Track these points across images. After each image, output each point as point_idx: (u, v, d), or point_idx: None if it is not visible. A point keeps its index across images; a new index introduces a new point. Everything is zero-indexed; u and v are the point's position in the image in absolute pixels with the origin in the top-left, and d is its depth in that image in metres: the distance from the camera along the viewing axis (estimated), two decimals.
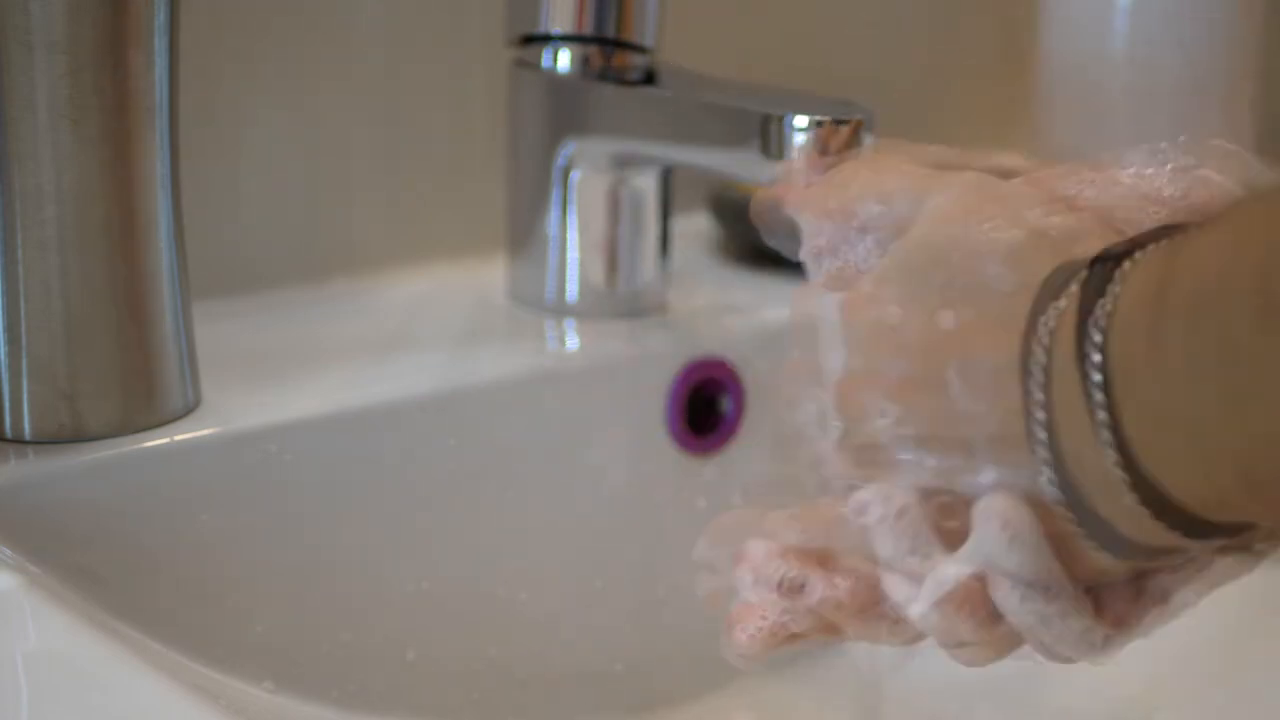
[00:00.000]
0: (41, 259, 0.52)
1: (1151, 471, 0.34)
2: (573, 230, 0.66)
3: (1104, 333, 0.34)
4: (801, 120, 0.58)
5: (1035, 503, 0.36)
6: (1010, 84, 0.94)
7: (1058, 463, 0.35)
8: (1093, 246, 0.36)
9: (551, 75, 0.65)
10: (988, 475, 0.37)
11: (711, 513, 0.67)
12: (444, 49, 0.72)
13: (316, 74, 0.69)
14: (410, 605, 0.60)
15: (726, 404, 0.67)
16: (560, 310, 0.67)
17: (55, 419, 0.53)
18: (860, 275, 0.42)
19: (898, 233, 0.41)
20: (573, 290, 0.67)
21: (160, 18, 0.52)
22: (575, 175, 0.66)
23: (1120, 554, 0.36)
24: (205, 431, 0.55)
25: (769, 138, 0.58)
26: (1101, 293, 0.34)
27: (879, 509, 0.39)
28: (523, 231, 0.67)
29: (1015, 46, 0.93)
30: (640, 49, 0.65)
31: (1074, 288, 0.35)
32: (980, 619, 0.38)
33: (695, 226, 0.78)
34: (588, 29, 0.64)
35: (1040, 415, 0.35)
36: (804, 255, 0.44)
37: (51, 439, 0.53)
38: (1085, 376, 0.34)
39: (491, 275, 0.70)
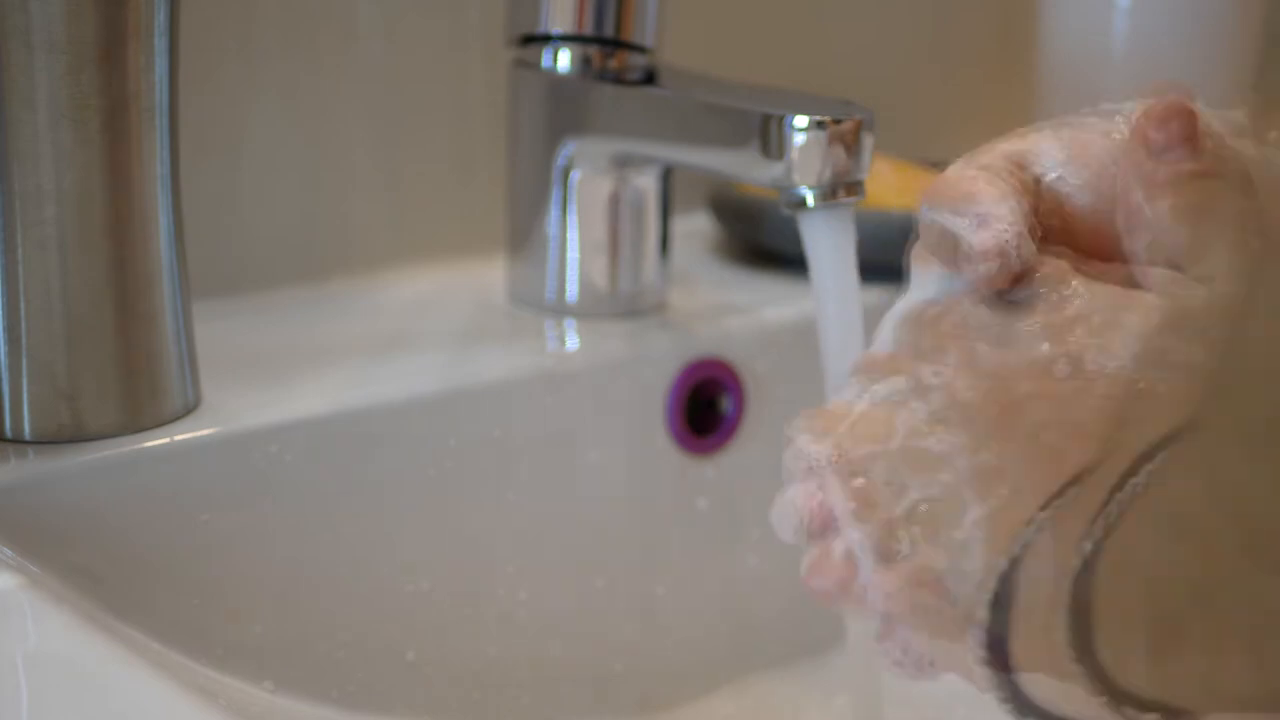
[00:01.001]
0: (41, 259, 0.52)
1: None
2: (573, 230, 0.66)
3: None
4: (801, 120, 0.58)
5: None
6: (1010, 84, 0.94)
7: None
8: None
9: (551, 75, 0.65)
10: None
11: (711, 513, 0.67)
12: (444, 49, 0.72)
13: (317, 74, 0.69)
14: (410, 605, 0.60)
15: (726, 404, 0.67)
16: (560, 310, 0.67)
17: (55, 419, 0.53)
18: None
19: None
20: (573, 290, 0.67)
21: (160, 18, 0.52)
22: (575, 175, 0.66)
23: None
24: (205, 431, 0.55)
25: (769, 138, 0.58)
26: None
27: None
28: (523, 231, 0.67)
29: (1015, 46, 0.93)
30: (640, 49, 0.65)
31: None
32: None
33: (695, 226, 0.78)
34: (588, 29, 0.64)
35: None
36: None
37: (51, 439, 0.53)
38: None
39: (491, 275, 0.70)
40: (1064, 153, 0.39)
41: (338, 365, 0.61)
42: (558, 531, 0.63)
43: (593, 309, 0.67)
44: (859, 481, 0.37)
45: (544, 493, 0.63)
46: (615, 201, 0.66)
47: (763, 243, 0.75)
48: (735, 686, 0.67)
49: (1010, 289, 0.37)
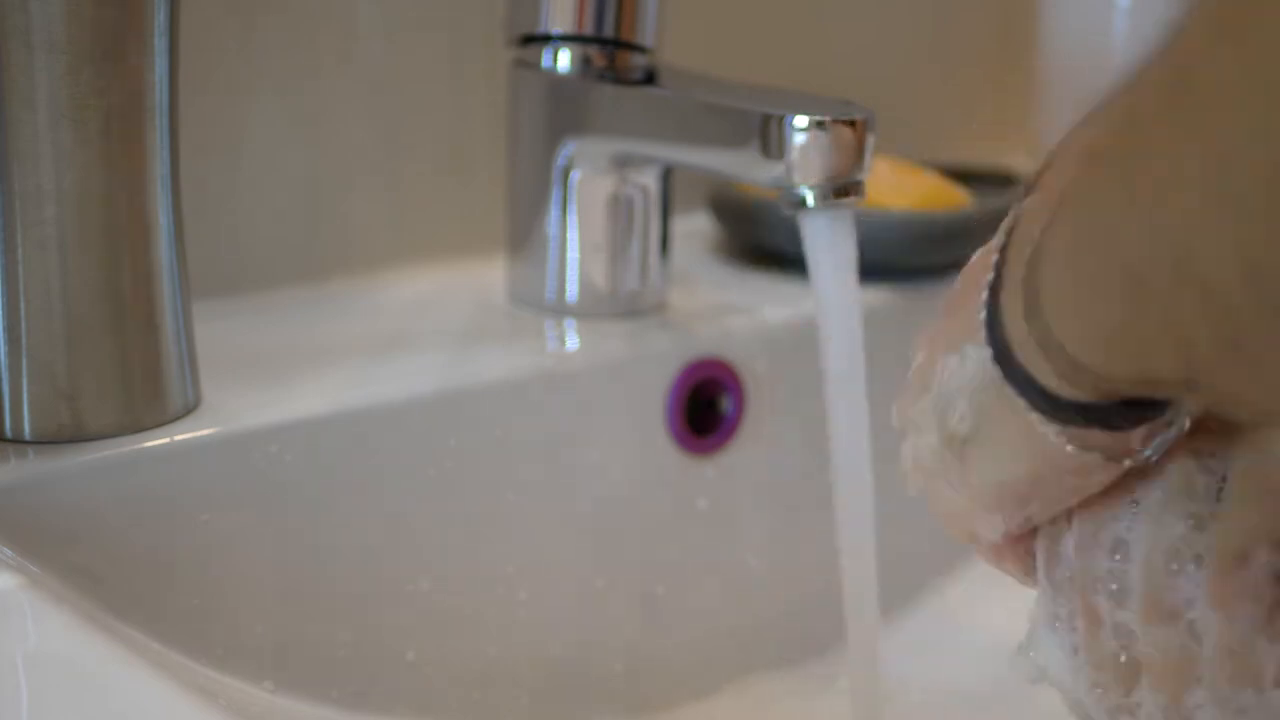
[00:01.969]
0: (41, 259, 0.52)
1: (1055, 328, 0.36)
2: (573, 230, 0.66)
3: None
4: (801, 120, 0.58)
5: None
6: (1010, 84, 0.94)
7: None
8: None
9: (551, 75, 0.65)
10: None
11: (711, 513, 0.67)
12: (444, 49, 0.72)
13: (317, 74, 0.69)
14: (410, 605, 0.60)
15: (726, 404, 0.67)
16: (560, 310, 0.67)
17: (55, 419, 0.53)
18: None
19: None
20: (573, 290, 0.67)
21: (160, 18, 0.52)
22: (575, 175, 0.66)
23: (1049, 413, 0.38)
24: (205, 431, 0.55)
25: (769, 138, 0.58)
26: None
27: None
28: (523, 231, 0.67)
29: (1015, 46, 0.93)
30: (640, 49, 0.65)
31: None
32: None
33: (695, 226, 0.78)
34: (588, 29, 0.64)
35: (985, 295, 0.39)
36: None
37: (51, 439, 0.53)
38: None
39: (491, 275, 0.70)
40: None
41: (338, 365, 0.61)
42: (558, 531, 0.63)
43: (593, 309, 0.67)
44: None
45: (544, 493, 0.63)
46: (615, 201, 0.66)
47: (763, 243, 0.75)
48: (735, 686, 0.67)
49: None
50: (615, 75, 0.65)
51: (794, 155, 0.58)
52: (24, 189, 0.51)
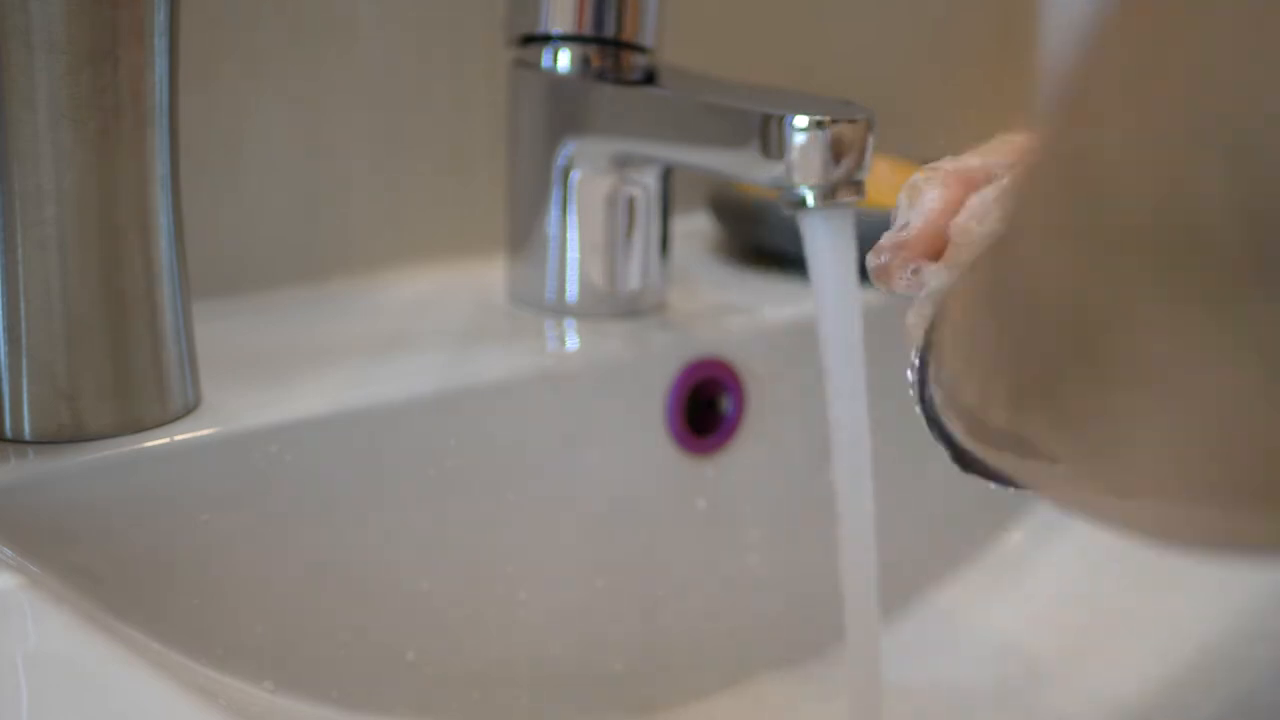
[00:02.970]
0: (41, 259, 0.52)
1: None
2: (573, 230, 0.66)
3: None
4: (801, 120, 0.58)
5: None
6: (1010, 84, 0.94)
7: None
8: None
9: (551, 75, 0.65)
10: None
11: (711, 513, 0.67)
12: (444, 49, 0.72)
13: (316, 73, 0.69)
14: (410, 605, 0.60)
15: (726, 404, 0.67)
16: (560, 310, 0.67)
17: (55, 419, 0.53)
18: None
19: None
20: (573, 290, 0.67)
21: (160, 18, 0.52)
22: (575, 175, 0.66)
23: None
24: (205, 431, 0.55)
25: (769, 138, 0.58)
26: None
27: None
28: (523, 231, 0.67)
29: (1015, 46, 0.93)
30: (640, 49, 0.65)
31: None
32: None
33: (695, 226, 0.78)
34: (588, 29, 0.64)
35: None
36: None
37: (51, 439, 0.53)
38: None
39: (491, 275, 0.70)
40: None
41: (338, 365, 0.61)
42: (558, 531, 0.63)
43: (593, 309, 0.67)
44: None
45: (544, 492, 0.63)
46: (615, 201, 0.66)
47: (763, 243, 0.75)
48: (735, 686, 0.67)
49: None
50: (615, 75, 0.65)
51: (794, 155, 0.58)
52: (24, 189, 0.51)
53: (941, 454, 0.41)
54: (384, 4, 0.70)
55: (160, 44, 0.52)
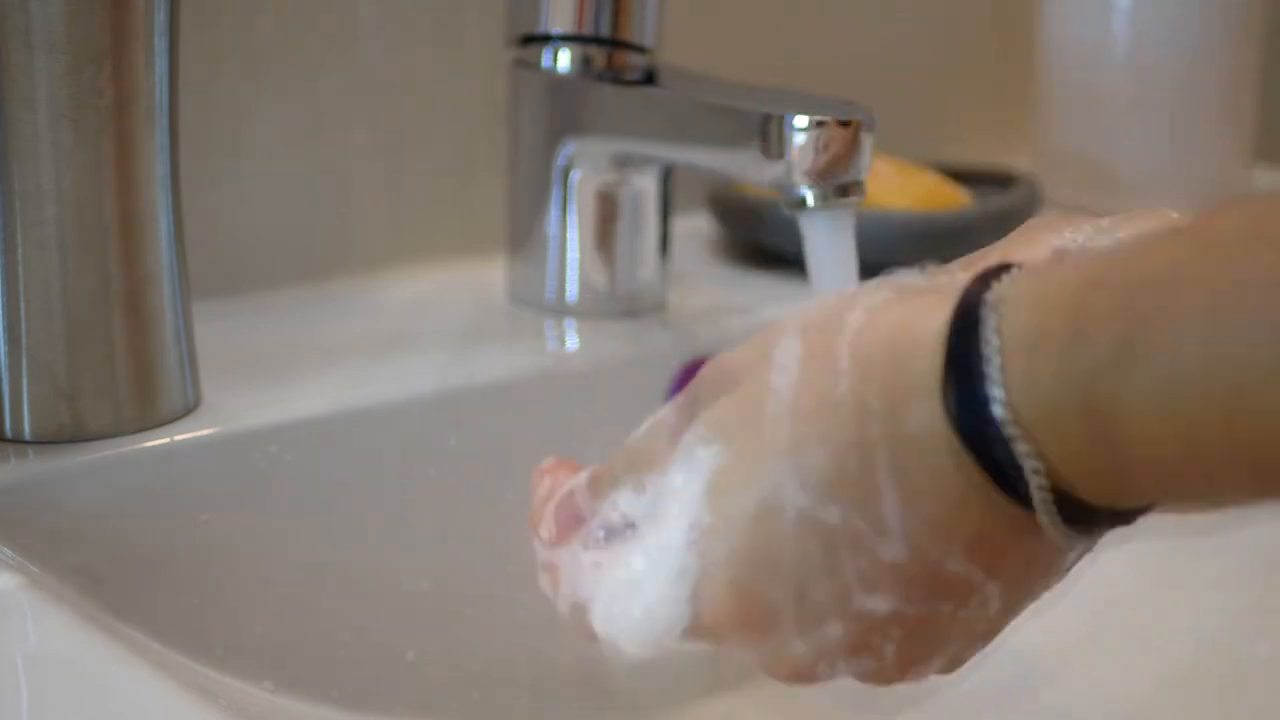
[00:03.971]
0: (41, 259, 0.52)
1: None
2: (573, 230, 0.66)
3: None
4: (801, 120, 0.58)
5: None
6: (1010, 84, 0.94)
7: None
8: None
9: (551, 75, 0.65)
10: None
11: None
12: (444, 49, 0.72)
13: (317, 74, 0.69)
14: (410, 605, 0.60)
15: None
16: (560, 310, 0.67)
17: (55, 419, 0.53)
18: None
19: None
20: (573, 290, 0.67)
21: (160, 18, 0.52)
22: (575, 175, 0.66)
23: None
24: (205, 431, 0.55)
25: (769, 138, 0.58)
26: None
27: None
28: (523, 231, 0.67)
29: (1015, 47, 0.93)
30: (640, 49, 0.65)
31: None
32: None
33: (695, 226, 0.78)
34: (588, 29, 0.64)
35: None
36: None
37: (51, 439, 0.53)
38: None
39: (491, 275, 0.70)
40: None
41: (338, 365, 0.61)
42: None
43: (593, 309, 0.67)
44: None
45: None
46: (615, 201, 0.66)
47: (763, 243, 0.75)
48: (735, 687, 0.67)
49: None
50: (615, 75, 0.65)
51: (794, 155, 0.58)
52: (24, 189, 0.51)
53: None
54: (384, 4, 0.70)
55: (160, 44, 0.52)
